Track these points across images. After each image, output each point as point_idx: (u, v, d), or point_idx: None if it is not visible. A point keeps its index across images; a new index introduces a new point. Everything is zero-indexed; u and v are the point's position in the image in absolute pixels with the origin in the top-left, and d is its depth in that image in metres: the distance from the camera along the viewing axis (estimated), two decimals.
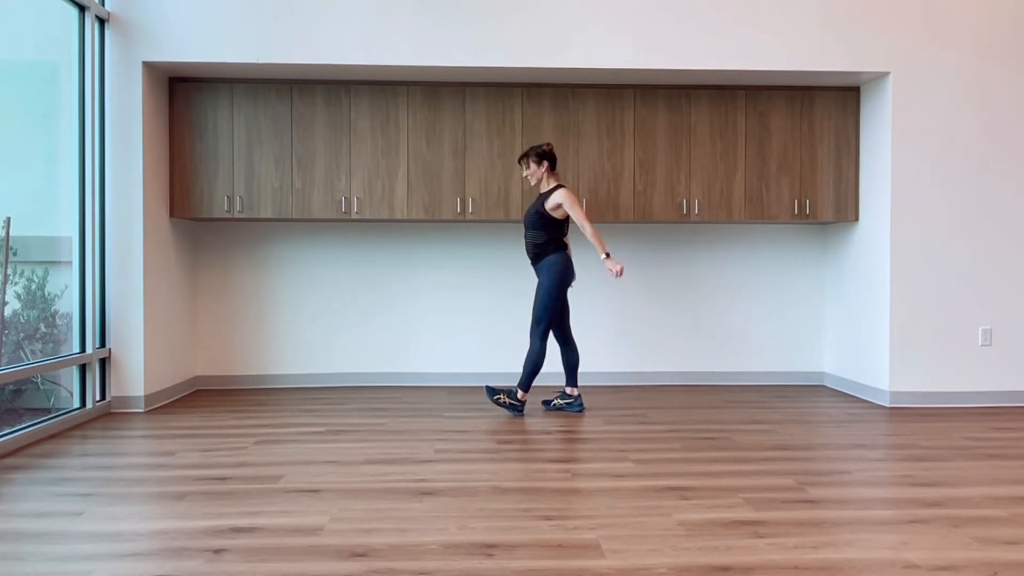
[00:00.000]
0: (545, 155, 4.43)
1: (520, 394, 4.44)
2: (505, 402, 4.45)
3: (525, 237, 4.48)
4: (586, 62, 4.67)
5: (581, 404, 4.57)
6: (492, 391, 4.47)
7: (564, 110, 5.04)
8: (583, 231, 4.28)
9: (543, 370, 4.49)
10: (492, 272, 5.49)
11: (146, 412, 4.55)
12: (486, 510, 2.77)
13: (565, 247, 4.44)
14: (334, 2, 4.59)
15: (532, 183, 4.52)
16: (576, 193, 4.33)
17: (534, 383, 4.53)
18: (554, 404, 4.61)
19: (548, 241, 4.38)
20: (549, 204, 4.33)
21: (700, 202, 5.08)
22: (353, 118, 4.98)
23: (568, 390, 4.59)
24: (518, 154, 5.00)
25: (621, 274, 4.26)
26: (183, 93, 4.90)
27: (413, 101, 4.99)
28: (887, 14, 4.75)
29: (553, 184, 4.42)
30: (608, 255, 4.27)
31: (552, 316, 4.39)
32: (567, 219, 4.38)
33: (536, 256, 4.42)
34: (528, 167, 4.47)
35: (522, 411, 4.46)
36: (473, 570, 2.24)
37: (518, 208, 5.01)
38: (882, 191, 4.88)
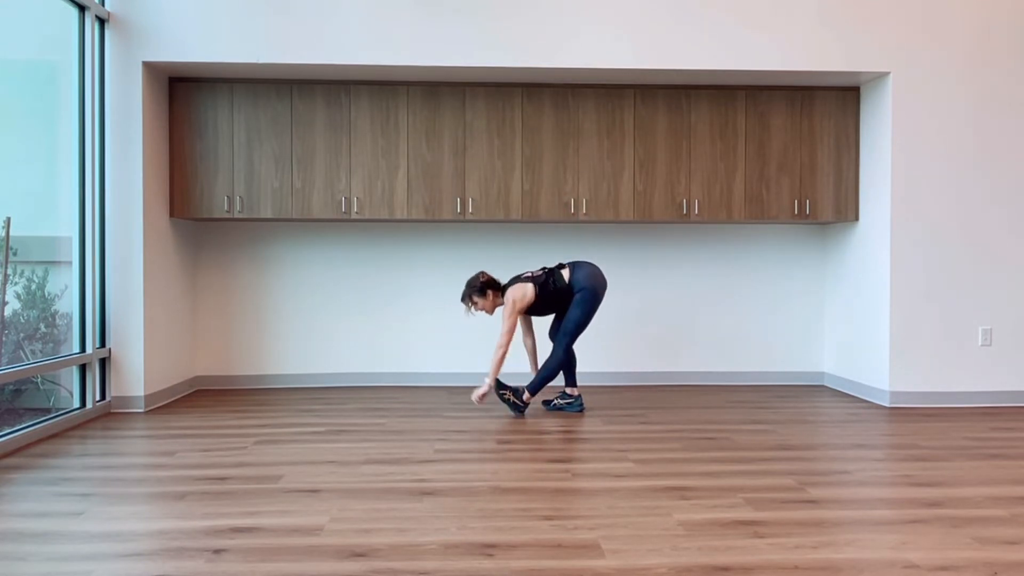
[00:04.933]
0: (485, 286, 4.41)
1: (527, 396, 4.44)
2: (510, 399, 4.44)
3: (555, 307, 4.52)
4: (586, 62, 4.67)
5: (581, 404, 4.57)
6: (500, 385, 4.47)
7: (564, 110, 5.04)
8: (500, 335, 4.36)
9: None
10: (492, 272, 5.46)
11: (146, 412, 4.55)
12: (486, 510, 2.77)
13: (572, 265, 4.43)
14: (334, 2, 4.59)
15: (489, 314, 4.53)
16: (518, 298, 4.34)
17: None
18: (554, 404, 4.61)
19: (559, 299, 4.40)
20: (520, 311, 4.35)
21: (700, 202, 5.08)
22: (353, 118, 4.98)
23: (568, 390, 4.60)
24: (518, 154, 5.01)
25: (479, 401, 4.39)
26: (183, 93, 4.90)
27: (413, 101, 4.99)
28: (886, 14, 4.75)
29: (502, 297, 4.44)
30: (489, 384, 4.34)
31: (582, 329, 4.42)
32: (540, 287, 4.37)
33: (571, 298, 4.41)
34: (473, 305, 4.44)
35: (523, 412, 4.46)
36: (473, 570, 2.24)
37: (518, 208, 5.01)
38: (882, 191, 4.88)
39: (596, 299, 4.39)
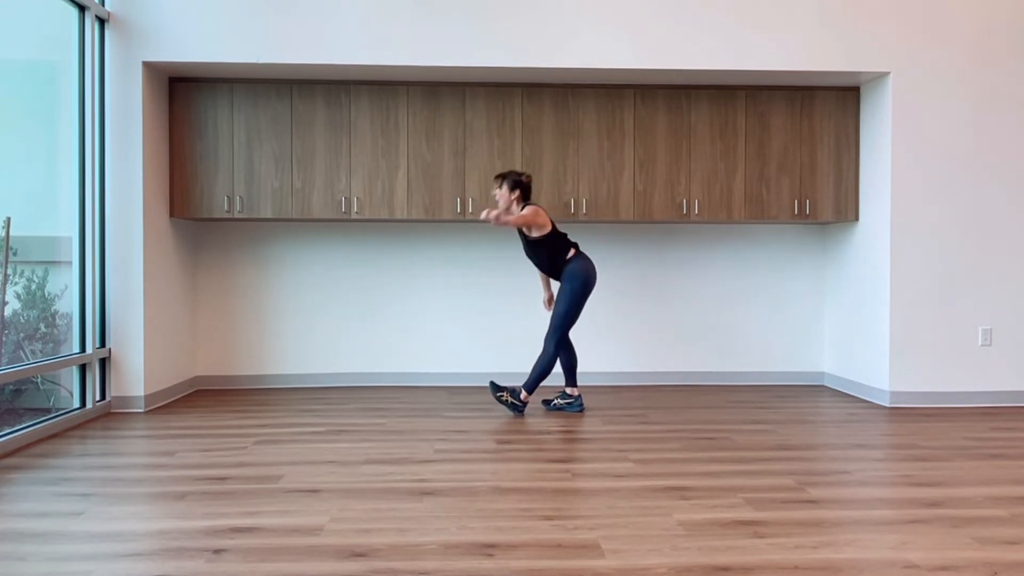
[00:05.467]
0: (520, 184, 4.39)
1: (524, 395, 4.45)
2: (508, 400, 4.46)
3: (535, 265, 4.53)
4: (586, 62, 4.67)
5: (581, 404, 4.57)
6: (496, 387, 4.48)
7: (564, 110, 5.04)
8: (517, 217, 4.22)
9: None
10: (492, 272, 5.49)
11: (146, 412, 4.55)
12: (486, 510, 2.77)
13: (578, 250, 4.44)
14: (334, 2, 4.59)
15: (500, 207, 4.40)
16: (539, 214, 4.28)
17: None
18: (554, 404, 4.61)
19: (554, 257, 4.40)
20: (534, 220, 4.30)
21: (700, 202, 5.08)
22: (353, 118, 4.98)
23: (568, 390, 4.60)
24: (518, 154, 5.01)
25: (492, 219, 4.01)
26: (183, 93, 4.90)
27: (413, 101, 4.99)
28: (886, 14, 4.75)
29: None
30: (499, 218, 4.02)
31: (570, 324, 4.43)
32: (555, 230, 4.39)
33: (555, 273, 4.46)
34: (499, 188, 4.41)
35: (523, 412, 4.46)
36: (473, 570, 2.24)
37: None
38: (882, 191, 4.88)
39: (585, 294, 4.39)
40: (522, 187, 4.41)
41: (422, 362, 5.49)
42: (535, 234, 4.36)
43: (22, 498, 2.92)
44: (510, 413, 4.47)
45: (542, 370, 4.42)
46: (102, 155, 4.51)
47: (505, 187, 4.40)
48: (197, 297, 5.39)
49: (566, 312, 4.38)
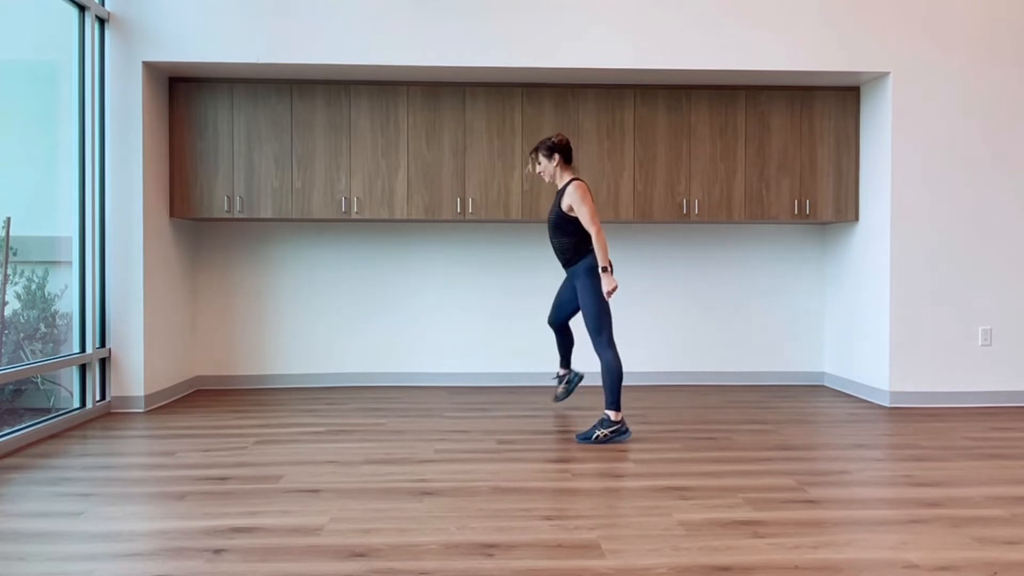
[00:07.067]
0: (556, 147, 3.94)
1: (613, 415, 3.87)
2: (605, 436, 3.83)
3: (551, 241, 4.06)
4: (586, 62, 4.67)
5: (572, 382, 4.53)
6: (586, 437, 3.86)
7: (564, 110, 5.04)
8: (589, 232, 3.83)
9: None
10: (492, 272, 5.49)
11: (146, 412, 4.55)
12: (486, 510, 2.77)
13: (591, 252, 3.97)
14: (334, 2, 4.59)
15: (546, 179, 4.04)
16: (589, 188, 3.95)
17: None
18: (558, 394, 4.56)
19: (578, 243, 3.93)
20: (564, 204, 3.88)
21: (700, 202, 5.08)
22: (353, 118, 4.98)
23: (560, 371, 4.55)
24: (518, 154, 5.01)
25: (611, 294, 3.81)
26: (183, 93, 4.90)
27: (413, 101, 4.99)
28: (887, 14, 4.75)
29: (568, 178, 3.95)
30: (606, 269, 3.79)
31: (608, 320, 3.90)
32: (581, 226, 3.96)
33: (568, 260, 4.01)
34: (539, 162, 3.99)
35: (627, 432, 3.90)
36: (473, 570, 2.24)
37: (518, 208, 5.01)
38: (882, 191, 4.88)
39: (599, 283, 3.90)
40: (559, 150, 3.94)
41: (422, 362, 5.49)
42: (573, 212, 3.86)
43: (22, 498, 2.92)
44: (620, 440, 3.87)
45: (612, 379, 3.85)
46: (102, 155, 4.51)
47: (543, 159, 3.96)
48: (197, 297, 5.39)
49: (596, 312, 3.88)
